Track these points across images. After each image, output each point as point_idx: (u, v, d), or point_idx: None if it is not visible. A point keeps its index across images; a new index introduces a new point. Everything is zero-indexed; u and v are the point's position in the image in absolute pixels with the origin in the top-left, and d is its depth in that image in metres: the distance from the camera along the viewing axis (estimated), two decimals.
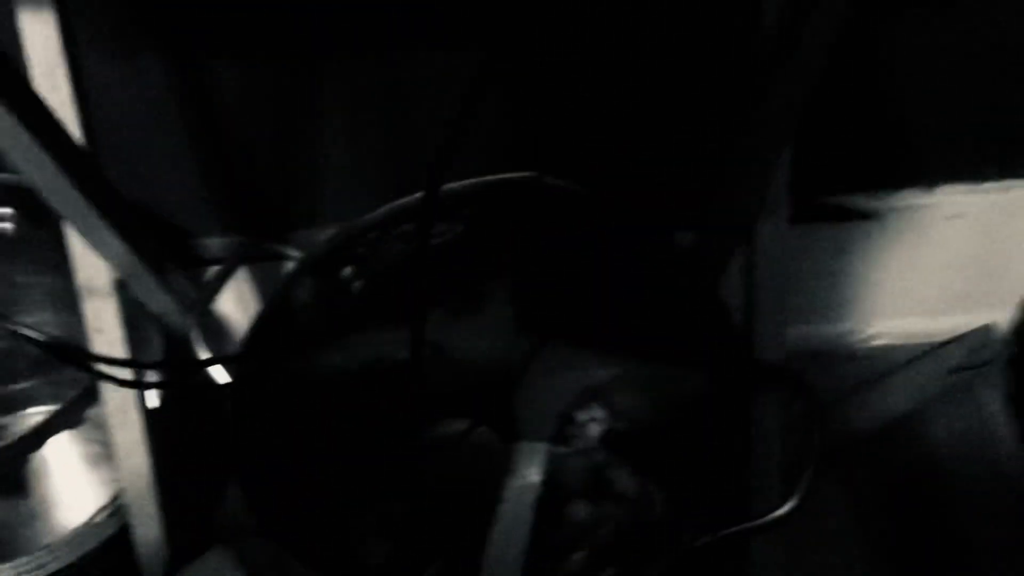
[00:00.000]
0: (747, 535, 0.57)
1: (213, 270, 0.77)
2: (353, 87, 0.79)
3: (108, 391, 0.67)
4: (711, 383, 0.66)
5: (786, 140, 0.58)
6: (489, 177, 0.77)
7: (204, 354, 0.67)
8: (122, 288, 0.65)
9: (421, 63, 0.78)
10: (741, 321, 0.71)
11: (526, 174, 0.76)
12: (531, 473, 0.90)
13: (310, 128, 0.83)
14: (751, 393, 0.65)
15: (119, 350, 0.66)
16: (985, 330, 1.01)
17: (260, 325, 0.67)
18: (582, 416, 0.89)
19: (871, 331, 1.02)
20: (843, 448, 0.97)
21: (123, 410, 0.66)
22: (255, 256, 0.77)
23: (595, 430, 0.89)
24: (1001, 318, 1.01)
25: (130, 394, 0.66)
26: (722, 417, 0.65)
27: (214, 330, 0.87)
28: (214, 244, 0.84)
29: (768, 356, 0.66)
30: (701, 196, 0.67)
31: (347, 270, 0.75)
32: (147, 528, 0.69)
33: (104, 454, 0.86)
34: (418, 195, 0.76)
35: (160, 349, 0.75)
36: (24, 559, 0.74)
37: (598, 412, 0.89)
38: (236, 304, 0.89)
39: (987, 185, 0.93)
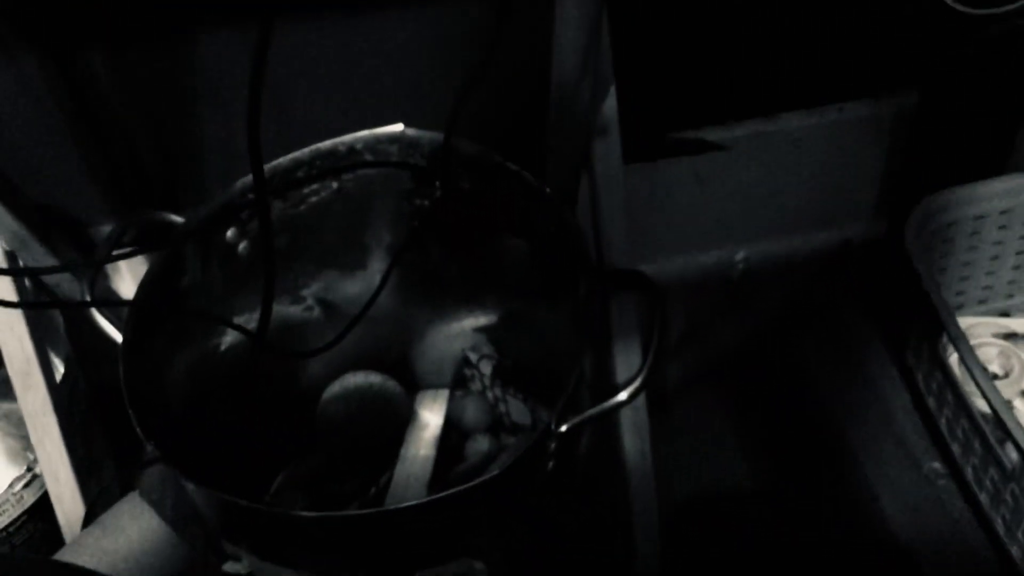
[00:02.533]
0: (596, 418, 0.63)
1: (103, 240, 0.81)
2: (220, 63, 0.84)
3: (9, 348, 0.70)
4: (571, 296, 0.72)
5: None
6: (363, 133, 0.80)
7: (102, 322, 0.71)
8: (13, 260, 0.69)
9: (285, 35, 0.82)
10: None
11: (397, 128, 0.80)
12: (433, 416, 0.96)
13: (185, 106, 0.88)
14: (606, 299, 0.72)
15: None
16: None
17: (148, 283, 0.71)
18: (474, 356, 0.95)
19: (739, 255, 1.10)
20: (723, 364, 1.05)
21: (26, 372, 0.70)
22: (140, 224, 0.81)
23: (487, 368, 0.94)
24: (855, 233, 1.09)
25: (32, 355, 0.70)
26: (585, 326, 0.71)
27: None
28: (106, 231, 0.87)
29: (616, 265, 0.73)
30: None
31: (231, 232, 0.79)
32: (61, 485, 0.74)
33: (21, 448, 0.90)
34: (294, 154, 0.80)
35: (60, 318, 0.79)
36: None
37: (487, 349, 0.95)
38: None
39: (824, 108, 1.01)
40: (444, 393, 0.97)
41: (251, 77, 0.43)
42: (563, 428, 0.63)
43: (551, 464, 0.67)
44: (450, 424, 0.95)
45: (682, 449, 0.95)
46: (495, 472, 0.60)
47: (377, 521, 0.61)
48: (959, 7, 0.70)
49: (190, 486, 0.61)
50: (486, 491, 0.62)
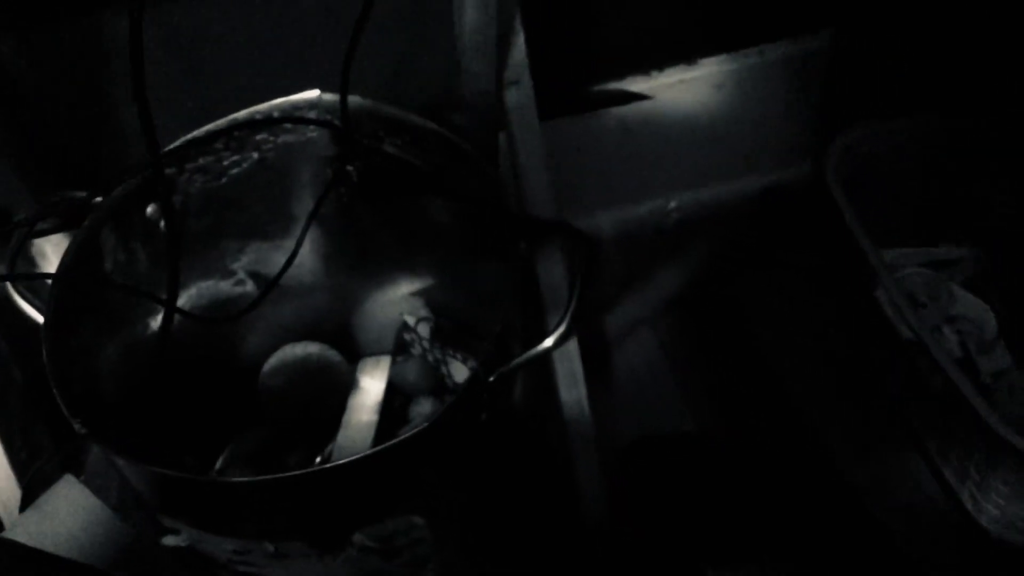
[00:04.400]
0: (525, 366, 0.64)
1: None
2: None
3: None
4: (499, 252, 0.72)
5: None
6: (280, 100, 0.79)
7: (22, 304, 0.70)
8: None
9: (197, 5, 0.82)
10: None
11: (313, 94, 0.80)
12: (374, 382, 0.96)
13: (100, 85, 0.86)
14: (532, 250, 0.72)
15: None
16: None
17: (67, 264, 0.71)
18: (411, 320, 0.95)
19: (671, 204, 1.11)
20: (662, 311, 1.06)
21: None
22: (62, 207, 0.80)
23: (425, 330, 0.95)
24: (784, 175, 1.10)
25: None
26: (511, 278, 0.72)
27: None
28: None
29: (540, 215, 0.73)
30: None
31: (150, 209, 0.79)
32: None
33: None
34: (209, 125, 0.80)
35: None
36: None
37: (424, 312, 0.95)
38: None
39: (745, 52, 1.01)
40: (385, 359, 0.97)
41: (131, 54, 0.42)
42: (491, 378, 0.64)
43: (485, 414, 0.67)
44: (393, 389, 0.95)
45: (625, 395, 0.97)
46: (425, 424, 0.60)
47: (308, 481, 0.61)
48: None
49: (120, 462, 0.61)
50: (418, 444, 0.62)
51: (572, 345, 0.76)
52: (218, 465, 0.92)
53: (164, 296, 0.74)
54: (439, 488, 0.68)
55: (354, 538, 0.66)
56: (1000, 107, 0.94)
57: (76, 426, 0.61)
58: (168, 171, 0.78)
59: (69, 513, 0.69)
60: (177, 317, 0.79)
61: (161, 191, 0.51)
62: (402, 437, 0.60)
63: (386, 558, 0.68)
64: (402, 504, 0.66)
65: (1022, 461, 0.72)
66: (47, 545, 0.67)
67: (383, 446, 0.60)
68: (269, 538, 0.65)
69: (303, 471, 0.60)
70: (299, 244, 0.81)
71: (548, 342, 0.63)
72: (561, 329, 0.63)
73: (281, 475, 0.60)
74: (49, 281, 0.73)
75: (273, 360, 0.95)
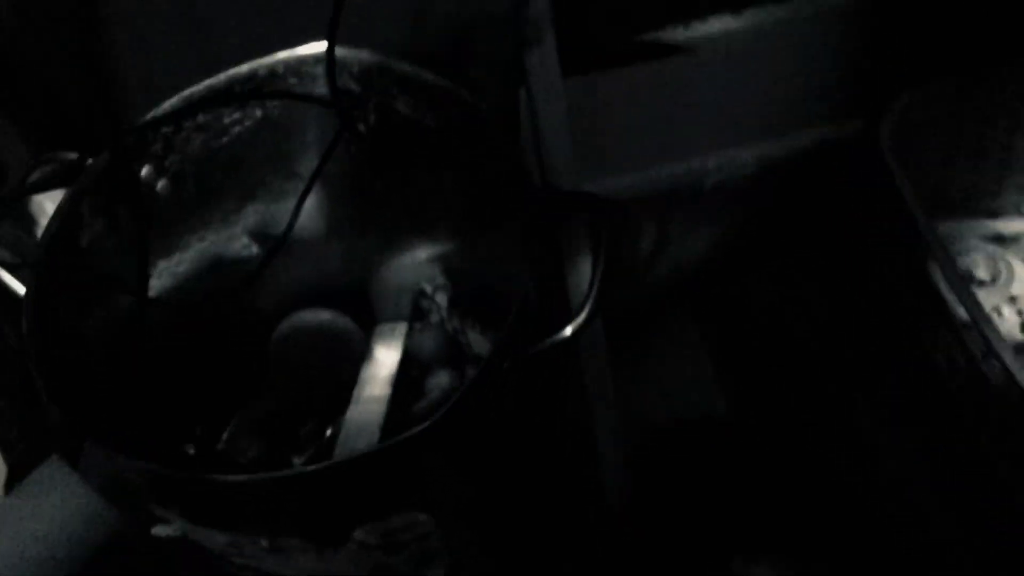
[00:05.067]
0: (541, 355, 0.58)
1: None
2: None
3: None
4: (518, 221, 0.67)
5: None
6: (284, 54, 0.75)
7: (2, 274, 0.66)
8: None
9: None
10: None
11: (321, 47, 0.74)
12: (389, 352, 0.91)
13: (100, 36, 0.81)
14: (554, 224, 0.66)
15: None
16: None
17: (52, 231, 0.66)
18: (429, 287, 0.90)
19: (710, 164, 1.03)
20: (696, 282, 1.00)
21: None
22: (54, 166, 0.76)
23: (443, 299, 0.90)
24: (831, 133, 1.03)
25: None
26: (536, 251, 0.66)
27: None
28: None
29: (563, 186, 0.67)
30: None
31: (146, 170, 0.74)
32: None
33: None
34: (208, 80, 0.74)
35: None
36: None
37: (442, 280, 0.90)
38: None
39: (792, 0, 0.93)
40: (402, 327, 0.93)
41: None
42: (505, 365, 0.59)
43: (497, 406, 0.62)
44: (409, 359, 0.90)
45: (655, 375, 0.91)
46: (427, 424, 0.55)
47: (308, 480, 0.57)
48: None
49: (100, 451, 0.57)
50: (425, 440, 0.58)
51: (597, 326, 0.70)
52: (225, 435, 0.89)
53: (175, 268, 0.71)
54: (446, 483, 0.63)
55: (355, 534, 0.62)
56: None
57: (55, 415, 0.57)
58: (165, 130, 0.74)
59: (55, 495, 0.66)
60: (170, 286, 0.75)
61: (128, 170, 0.46)
62: (407, 434, 0.56)
63: (389, 553, 0.64)
64: (406, 500, 0.61)
65: None
66: (31, 528, 0.64)
67: (385, 444, 0.55)
68: (265, 534, 0.61)
69: (301, 470, 0.56)
70: (301, 200, 0.76)
71: (567, 331, 0.58)
72: (583, 316, 0.58)
73: (279, 474, 0.56)
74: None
75: (284, 327, 0.91)
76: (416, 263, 0.90)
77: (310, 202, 0.83)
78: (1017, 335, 0.85)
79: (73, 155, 0.70)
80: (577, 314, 0.58)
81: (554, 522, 0.75)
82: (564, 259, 0.70)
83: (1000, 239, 0.91)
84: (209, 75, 0.74)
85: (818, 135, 1.04)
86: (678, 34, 0.94)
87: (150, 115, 0.70)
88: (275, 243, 0.74)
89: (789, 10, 0.94)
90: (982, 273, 0.87)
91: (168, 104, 0.71)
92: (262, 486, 0.58)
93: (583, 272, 0.70)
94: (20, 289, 0.65)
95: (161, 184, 0.75)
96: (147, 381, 0.74)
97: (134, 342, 0.56)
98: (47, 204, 0.89)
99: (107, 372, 0.68)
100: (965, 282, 0.77)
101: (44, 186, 0.75)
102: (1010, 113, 0.89)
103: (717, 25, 0.94)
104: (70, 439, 0.67)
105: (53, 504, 0.64)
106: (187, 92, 0.72)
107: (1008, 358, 0.73)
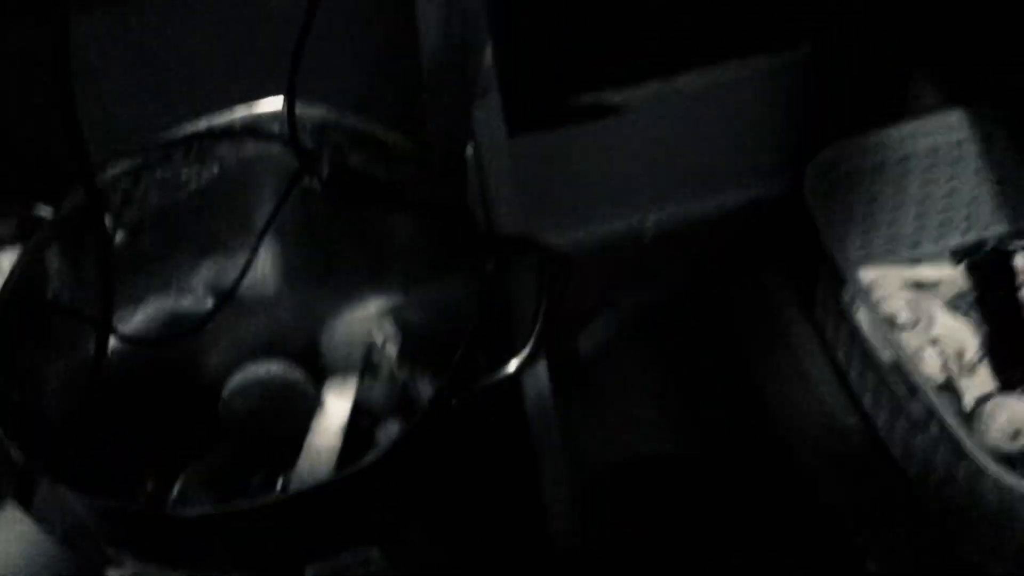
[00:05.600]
0: (487, 390, 0.61)
1: None
2: (89, 41, 0.80)
3: None
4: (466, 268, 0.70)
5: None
6: (241, 109, 0.77)
7: None
8: None
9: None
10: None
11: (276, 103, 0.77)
12: (339, 403, 0.93)
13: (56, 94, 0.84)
14: (499, 267, 0.70)
15: None
16: None
17: (12, 284, 0.68)
18: (379, 339, 0.92)
19: (649, 220, 1.08)
20: (639, 330, 1.04)
21: None
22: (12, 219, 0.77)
23: (393, 350, 0.92)
24: (763, 191, 1.08)
25: None
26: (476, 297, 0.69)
27: None
28: None
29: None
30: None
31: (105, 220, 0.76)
32: None
33: None
34: (167, 135, 0.77)
35: None
36: None
37: (392, 331, 0.93)
38: None
39: (721, 66, 0.99)
40: (352, 379, 0.94)
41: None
42: (453, 401, 0.61)
43: (446, 439, 0.65)
44: (360, 411, 0.92)
45: (602, 416, 0.94)
46: (381, 453, 0.58)
47: (260, 515, 0.59)
48: None
49: (63, 491, 0.58)
50: (377, 472, 0.60)
51: (541, 366, 0.73)
52: (176, 487, 0.89)
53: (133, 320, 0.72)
54: (397, 518, 0.65)
55: (307, 571, 0.63)
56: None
57: (14, 452, 0.58)
58: (123, 185, 0.76)
59: (11, 542, 0.66)
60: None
61: (94, 212, 0.48)
62: (359, 466, 0.58)
63: None
64: (357, 536, 0.63)
65: (1002, 490, 0.70)
66: None
67: (338, 476, 0.57)
68: (218, 572, 0.62)
69: (253, 504, 0.58)
70: (254, 252, 0.78)
71: (511, 366, 0.60)
72: (526, 352, 0.61)
73: (232, 507, 0.58)
74: None
75: (235, 379, 0.92)
76: (367, 315, 0.92)
77: (264, 255, 0.85)
78: (939, 376, 0.90)
79: (44, 208, 0.72)
80: (520, 351, 0.61)
81: (503, 559, 0.77)
82: (510, 303, 0.73)
83: (920, 285, 0.96)
84: (166, 130, 0.77)
85: (750, 190, 1.09)
86: (615, 97, 0.99)
87: (112, 169, 0.72)
88: (227, 291, 0.76)
89: (716, 75, 1.00)
90: (904, 318, 0.91)
91: (129, 159, 0.73)
92: (215, 521, 0.59)
93: (526, 315, 0.73)
94: None
95: (119, 236, 0.77)
96: (102, 432, 0.75)
97: (92, 378, 0.58)
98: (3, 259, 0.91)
99: (64, 420, 0.69)
100: (890, 326, 0.81)
101: (9, 236, 0.77)
102: (924, 167, 0.94)
103: (651, 89, 0.99)
104: (25, 482, 0.68)
105: (8, 548, 0.65)
106: (145, 148, 0.74)
107: (931, 398, 0.77)
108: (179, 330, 0.85)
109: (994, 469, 0.69)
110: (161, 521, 0.60)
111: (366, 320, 0.92)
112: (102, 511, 0.59)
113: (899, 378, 0.81)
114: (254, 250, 0.77)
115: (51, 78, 0.41)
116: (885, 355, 0.83)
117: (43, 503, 0.71)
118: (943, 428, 0.74)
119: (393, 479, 0.62)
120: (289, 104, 0.64)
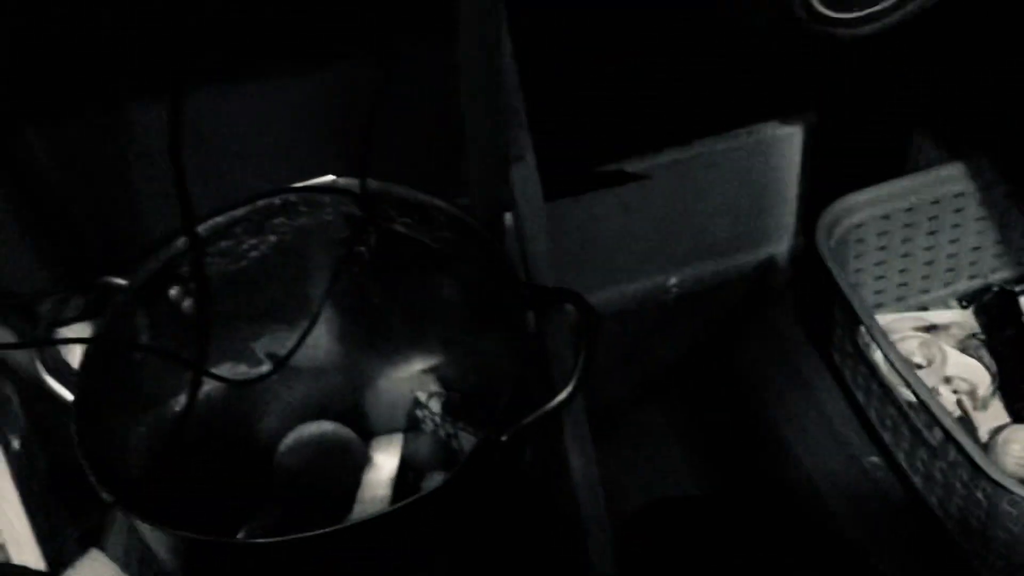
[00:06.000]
0: (533, 426, 0.66)
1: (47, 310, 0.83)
2: (149, 128, 0.87)
3: None
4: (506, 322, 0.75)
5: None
6: (297, 186, 0.83)
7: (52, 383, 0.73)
8: None
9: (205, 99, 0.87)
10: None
11: (327, 179, 0.84)
12: (388, 459, 0.98)
13: (121, 173, 0.91)
14: (538, 318, 0.75)
15: None
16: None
17: (96, 348, 0.74)
18: (423, 396, 0.97)
19: (671, 281, 1.14)
20: (664, 381, 1.09)
21: None
22: (88, 291, 0.83)
23: (437, 406, 0.97)
24: (780, 248, 1.14)
25: None
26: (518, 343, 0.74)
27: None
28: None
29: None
30: None
31: (174, 291, 0.82)
32: (23, 551, 0.75)
33: None
34: (231, 212, 0.83)
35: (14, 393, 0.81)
36: None
37: (435, 388, 0.98)
38: None
39: (735, 132, 1.06)
40: (398, 436, 0.99)
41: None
42: (503, 438, 0.66)
43: (496, 476, 0.69)
44: (406, 466, 0.96)
45: (631, 463, 0.98)
46: (436, 486, 0.62)
47: (321, 542, 0.63)
48: (824, 10, 0.77)
49: (146, 528, 0.63)
50: (432, 505, 0.64)
51: (579, 410, 0.78)
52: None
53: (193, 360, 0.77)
54: (449, 553, 0.69)
55: None
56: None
57: (104, 495, 0.64)
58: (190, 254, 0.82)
59: None
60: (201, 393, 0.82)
61: (194, 266, 0.55)
62: (415, 497, 0.62)
63: None
64: (410, 568, 0.67)
65: (1019, 509, 0.74)
66: None
67: (394, 506, 0.62)
68: None
69: (320, 532, 0.62)
70: (312, 323, 0.84)
71: (558, 399, 0.65)
72: (570, 388, 0.65)
73: (299, 536, 0.62)
74: (75, 366, 0.76)
75: (289, 439, 0.96)
76: (411, 374, 0.97)
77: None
78: (955, 411, 0.94)
79: (114, 279, 0.78)
80: (565, 387, 0.66)
81: None
82: (549, 354, 0.78)
83: (931, 328, 1.01)
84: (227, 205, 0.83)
85: (767, 248, 1.15)
86: (636, 164, 1.06)
87: (178, 242, 0.78)
88: (284, 356, 0.81)
89: (730, 141, 1.07)
90: (919, 358, 0.96)
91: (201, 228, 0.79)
92: (284, 548, 0.63)
93: (565, 362, 0.79)
94: (67, 396, 0.72)
95: (186, 303, 0.82)
96: (174, 490, 0.80)
97: (185, 416, 0.63)
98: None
99: (143, 467, 0.74)
100: (908, 365, 0.86)
101: (78, 312, 0.83)
102: (929, 217, 1.00)
103: (670, 156, 1.06)
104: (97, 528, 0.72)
105: None
106: (212, 221, 0.81)
107: (949, 426, 0.81)
108: (242, 395, 0.91)
109: (1013, 487, 0.73)
110: (237, 550, 0.64)
111: (409, 379, 0.97)
112: (183, 546, 0.64)
113: (918, 412, 0.85)
114: (312, 321, 0.82)
115: (167, 151, 0.46)
116: (903, 392, 0.87)
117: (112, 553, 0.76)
118: (962, 451, 0.78)
119: (445, 515, 0.67)
120: (362, 179, 0.70)
